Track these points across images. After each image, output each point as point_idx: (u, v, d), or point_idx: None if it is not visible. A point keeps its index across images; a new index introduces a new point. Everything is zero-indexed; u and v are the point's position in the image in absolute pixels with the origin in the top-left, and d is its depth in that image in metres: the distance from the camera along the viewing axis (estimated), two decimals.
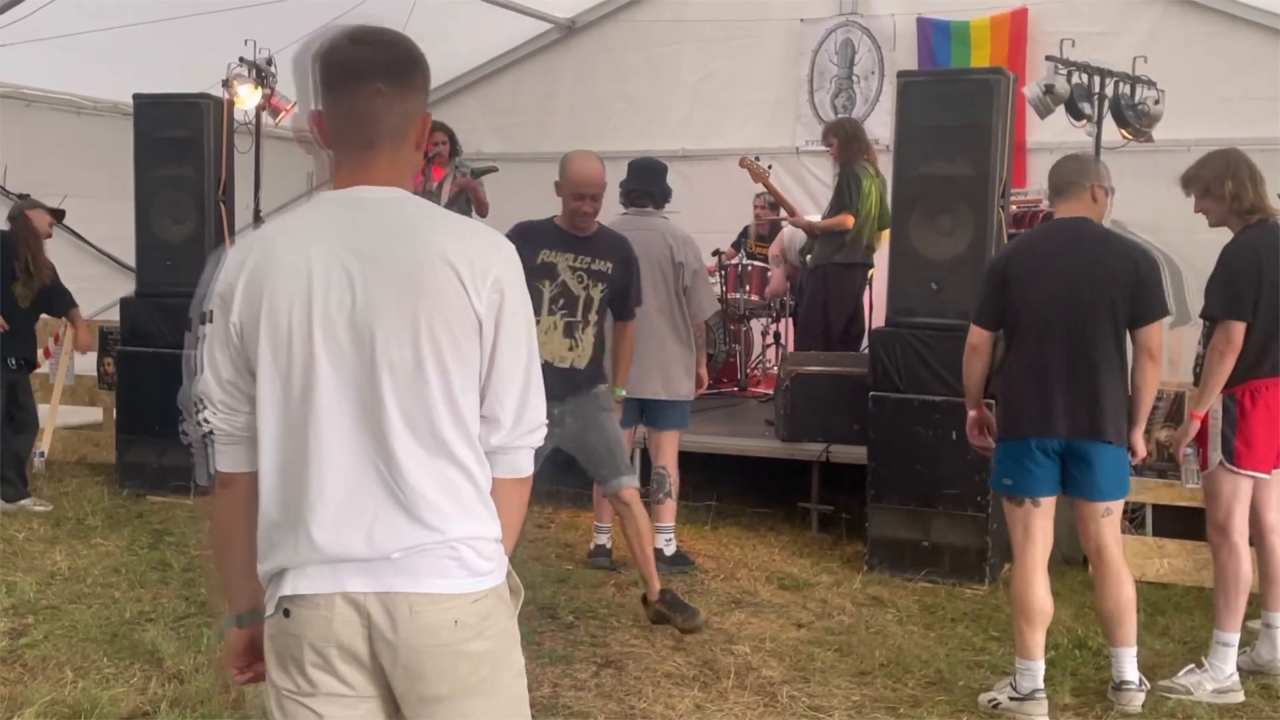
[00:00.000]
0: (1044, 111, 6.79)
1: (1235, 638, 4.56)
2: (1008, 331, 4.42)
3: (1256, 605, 4.78)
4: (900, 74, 6.65)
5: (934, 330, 6.05)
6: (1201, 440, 4.61)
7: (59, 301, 7.57)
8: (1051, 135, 8.00)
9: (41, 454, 8.17)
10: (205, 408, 2.14)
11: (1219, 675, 4.52)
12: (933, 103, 6.16)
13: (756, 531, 6.78)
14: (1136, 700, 4.37)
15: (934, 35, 9.24)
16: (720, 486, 7.23)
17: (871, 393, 6.21)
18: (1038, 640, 4.35)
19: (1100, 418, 4.23)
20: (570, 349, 4.99)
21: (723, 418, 7.89)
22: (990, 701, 4.42)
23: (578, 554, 6.36)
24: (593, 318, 5.04)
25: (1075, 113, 6.82)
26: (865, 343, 8.00)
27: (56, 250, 8.71)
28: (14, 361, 7.15)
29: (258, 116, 8.25)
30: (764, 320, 9.36)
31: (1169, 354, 5.59)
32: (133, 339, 7.80)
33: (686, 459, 6.43)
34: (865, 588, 5.88)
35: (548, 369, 4.65)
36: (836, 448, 6.76)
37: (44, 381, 8.52)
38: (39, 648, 4.81)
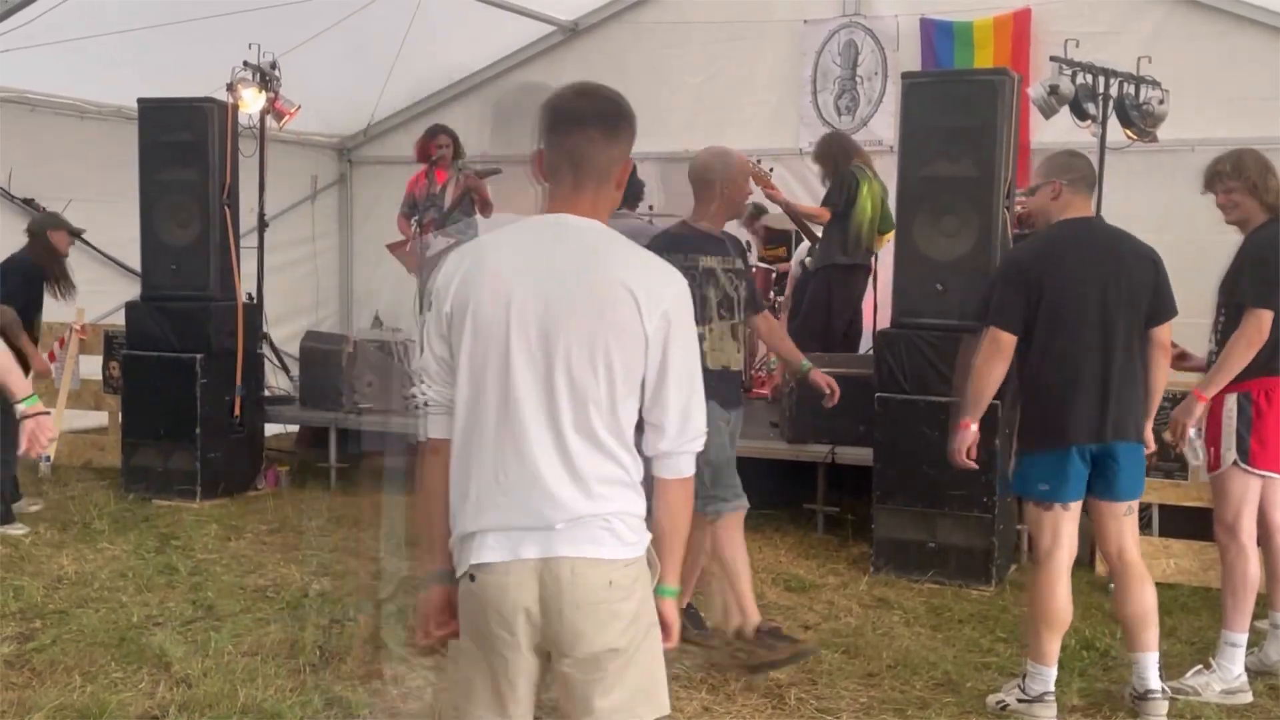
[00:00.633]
0: (1048, 112, 6.79)
1: (1243, 638, 4.56)
2: (1030, 335, 4.26)
3: (1264, 606, 4.78)
4: (904, 75, 6.65)
5: (939, 331, 6.05)
6: (1214, 439, 4.60)
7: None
8: (1055, 136, 7.96)
9: (47, 458, 8.17)
10: (423, 381, 2.54)
11: (1227, 676, 4.52)
12: (937, 104, 6.16)
13: (762, 533, 6.77)
14: (1163, 709, 4.29)
15: (937, 36, 9.23)
16: None
17: (877, 394, 6.21)
18: (1054, 646, 4.33)
19: (1134, 418, 4.23)
20: (738, 351, 4.84)
21: None
22: (998, 704, 4.41)
23: None
24: (742, 317, 4.87)
25: (1080, 113, 6.82)
26: (864, 344, 8.02)
27: None
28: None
29: (262, 120, 8.25)
30: None
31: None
32: (138, 343, 7.80)
33: None
34: (871, 589, 5.87)
35: (726, 375, 4.72)
36: (842, 449, 6.75)
37: (49, 386, 8.53)
38: (47, 652, 4.81)
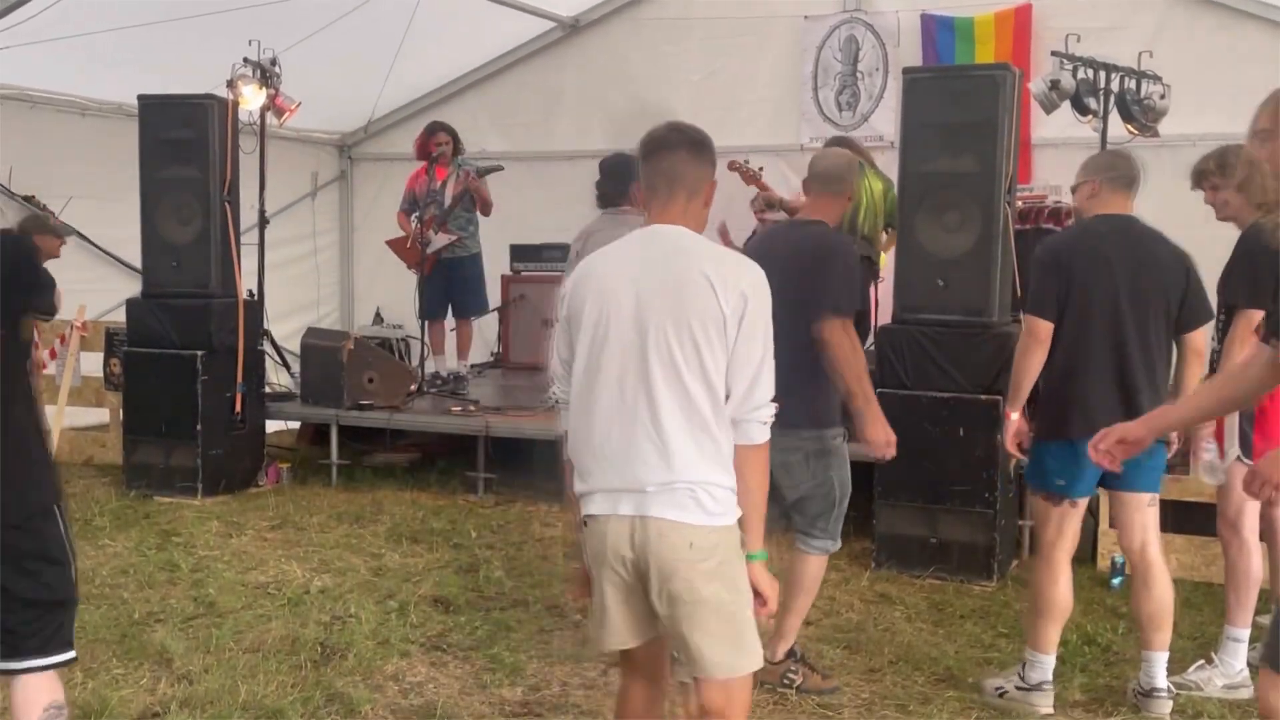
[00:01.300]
0: (1049, 107, 6.78)
1: (1246, 633, 4.56)
2: (1060, 324, 4.26)
3: (1267, 601, 4.78)
4: (906, 70, 6.64)
5: (941, 326, 6.05)
6: (1218, 435, 4.60)
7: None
8: (1057, 131, 7.98)
9: None
10: (556, 382, 3.10)
11: (1229, 671, 4.52)
12: (938, 99, 6.15)
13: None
14: (1166, 708, 4.32)
15: (938, 31, 9.22)
16: None
17: (878, 389, 6.19)
18: (1053, 635, 4.35)
19: None
20: None
21: None
22: (997, 690, 4.42)
23: None
24: None
25: (1081, 108, 6.82)
26: (870, 340, 8.01)
27: (62, 252, 8.74)
28: None
29: (262, 117, 8.24)
30: None
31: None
32: (139, 340, 7.80)
33: None
34: (873, 585, 5.87)
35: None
36: None
37: (50, 383, 8.53)
38: None
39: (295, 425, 9.12)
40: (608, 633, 3.04)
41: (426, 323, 8.99)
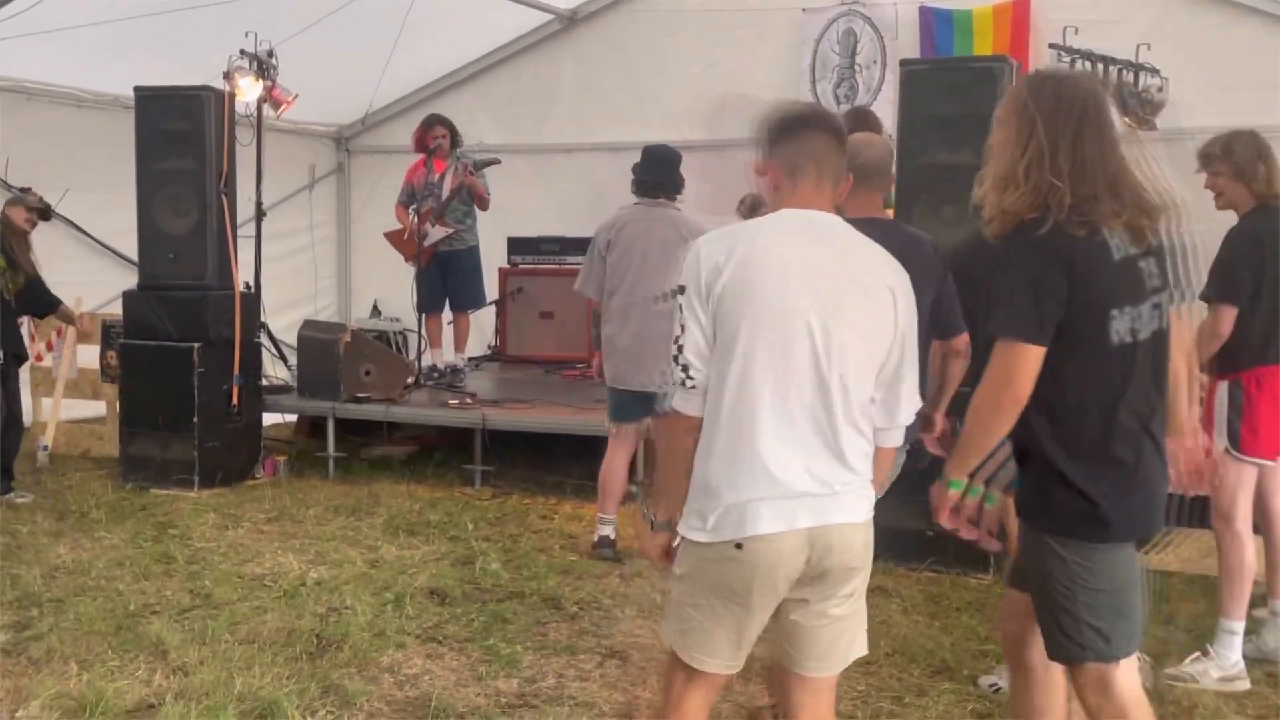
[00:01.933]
0: None
1: (1240, 625, 4.56)
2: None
3: (1263, 593, 4.78)
4: (903, 62, 6.63)
5: None
6: (1206, 427, 4.60)
7: (37, 303, 7.52)
8: None
9: (45, 447, 8.18)
10: (693, 362, 2.76)
11: (1225, 663, 4.52)
12: (936, 91, 6.14)
13: None
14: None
15: (936, 24, 9.21)
16: None
17: None
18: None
19: None
20: None
21: None
22: (991, 686, 4.43)
23: (581, 545, 6.35)
24: None
25: None
26: None
27: (59, 244, 8.77)
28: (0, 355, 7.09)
29: (259, 109, 8.24)
30: None
31: None
32: (135, 332, 7.79)
33: None
34: (870, 577, 5.85)
35: None
36: None
37: (47, 375, 8.53)
38: (44, 640, 4.81)
39: (292, 418, 9.11)
40: (728, 653, 2.86)
41: (423, 316, 8.99)
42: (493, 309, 10.01)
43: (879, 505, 2.91)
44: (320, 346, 8.21)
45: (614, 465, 6.17)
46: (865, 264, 2.79)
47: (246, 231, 8.29)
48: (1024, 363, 2.80)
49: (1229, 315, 4.38)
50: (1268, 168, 4.48)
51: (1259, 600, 4.82)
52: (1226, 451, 4.54)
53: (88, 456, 8.42)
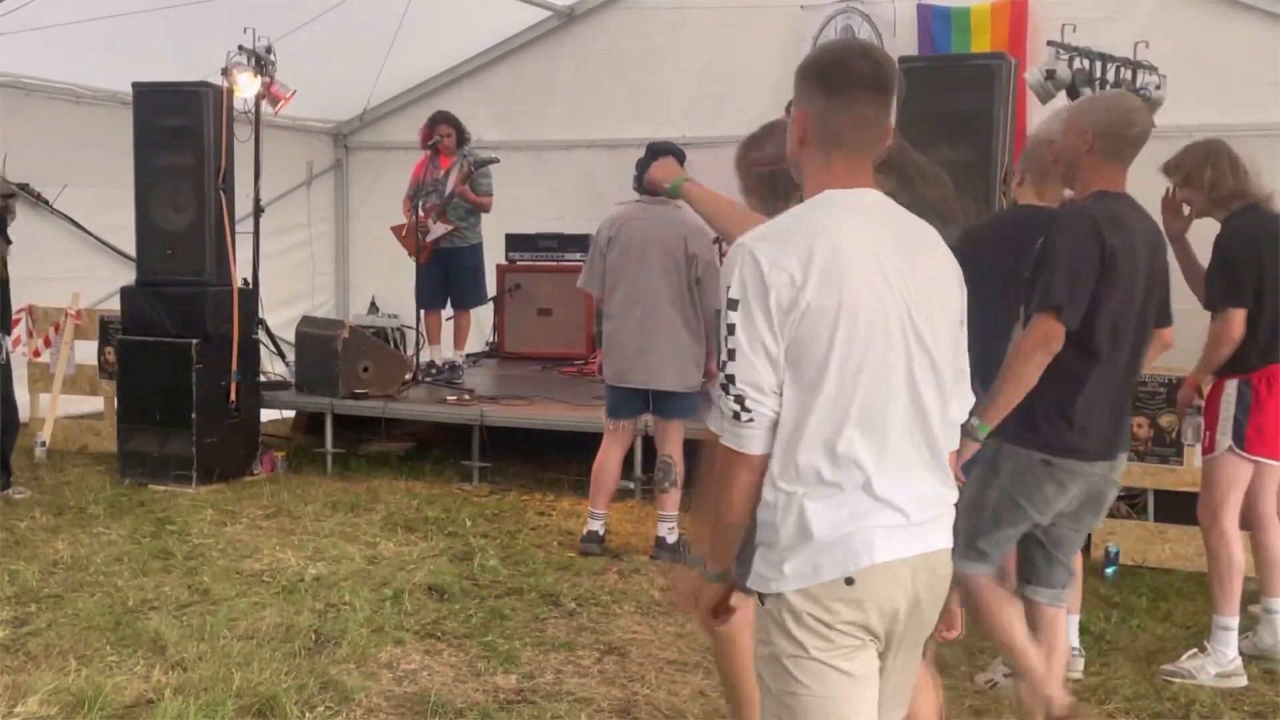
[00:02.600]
0: (1045, 97, 6.76)
1: (1234, 621, 4.56)
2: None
3: (1257, 590, 4.79)
4: (902, 59, 6.62)
5: None
6: (1210, 424, 4.61)
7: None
8: None
9: (43, 443, 8.18)
10: (750, 393, 2.23)
11: (1221, 659, 4.53)
12: (934, 88, 6.13)
13: None
14: (1078, 665, 4.50)
15: (934, 21, 9.20)
16: None
17: None
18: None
19: None
20: None
21: None
22: (987, 682, 4.44)
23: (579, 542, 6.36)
24: None
25: (1076, 98, 6.80)
26: None
27: (57, 240, 8.77)
28: None
29: (257, 105, 8.23)
30: None
31: None
32: (133, 328, 7.79)
33: (694, 448, 6.42)
34: None
35: None
36: None
37: (44, 371, 8.52)
38: (42, 636, 4.81)
39: (290, 414, 9.10)
40: None
41: (423, 312, 8.99)
42: (491, 305, 10.01)
43: None
44: (318, 343, 8.21)
45: (607, 460, 6.18)
46: (938, 260, 2.42)
47: (245, 227, 8.28)
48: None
49: (1239, 317, 4.43)
50: (1215, 171, 4.51)
51: (1254, 597, 4.83)
52: (1230, 449, 4.55)
53: (86, 452, 8.42)
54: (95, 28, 7.84)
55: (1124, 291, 3.54)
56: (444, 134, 8.85)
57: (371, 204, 11.17)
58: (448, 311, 9.20)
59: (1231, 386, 4.55)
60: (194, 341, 7.55)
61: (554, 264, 9.82)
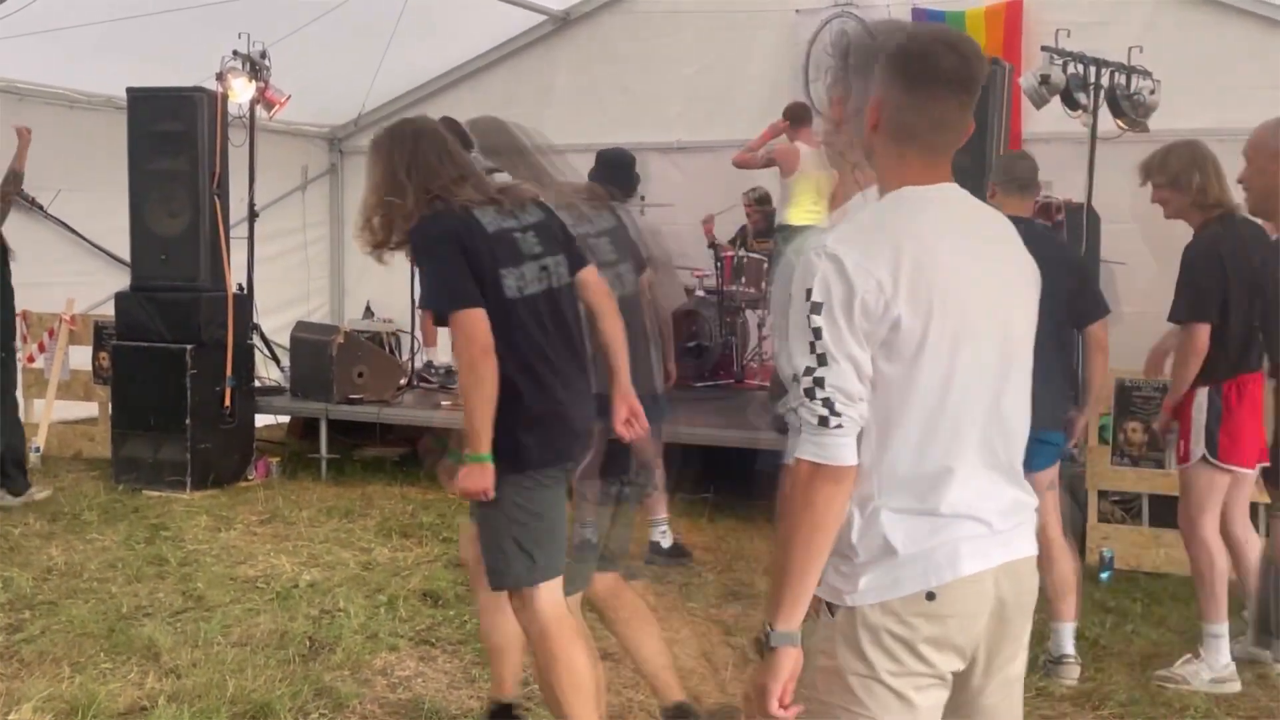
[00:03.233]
0: (1039, 102, 6.79)
1: (1223, 627, 4.55)
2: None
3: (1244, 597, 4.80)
4: None
5: None
6: (1183, 433, 4.60)
7: None
8: (1047, 126, 7.97)
9: (37, 449, 8.16)
10: (839, 398, 2.08)
11: (1215, 665, 4.52)
12: None
13: (754, 523, 6.76)
14: (1075, 674, 4.55)
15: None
16: (717, 479, 7.22)
17: None
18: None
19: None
20: None
21: (719, 409, 7.88)
22: None
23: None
24: None
25: (1071, 103, 6.82)
26: None
27: (51, 245, 8.74)
28: None
29: (252, 110, 8.23)
30: (760, 312, 9.36)
31: None
32: (128, 333, 7.78)
33: (683, 451, 6.40)
34: None
35: None
36: None
37: (39, 376, 8.51)
38: (36, 643, 4.80)
39: (285, 419, 9.10)
40: None
41: (420, 313, 8.98)
42: None
43: None
44: (313, 348, 8.21)
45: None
46: (1015, 254, 2.31)
47: (239, 233, 8.28)
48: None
49: (1203, 332, 4.43)
50: (1203, 176, 4.49)
51: (1244, 602, 4.83)
52: (1204, 459, 4.54)
53: (79, 458, 8.41)
54: (90, 33, 7.84)
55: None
56: None
57: None
58: None
59: (1202, 395, 4.53)
60: (188, 347, 7.55)
61: None
